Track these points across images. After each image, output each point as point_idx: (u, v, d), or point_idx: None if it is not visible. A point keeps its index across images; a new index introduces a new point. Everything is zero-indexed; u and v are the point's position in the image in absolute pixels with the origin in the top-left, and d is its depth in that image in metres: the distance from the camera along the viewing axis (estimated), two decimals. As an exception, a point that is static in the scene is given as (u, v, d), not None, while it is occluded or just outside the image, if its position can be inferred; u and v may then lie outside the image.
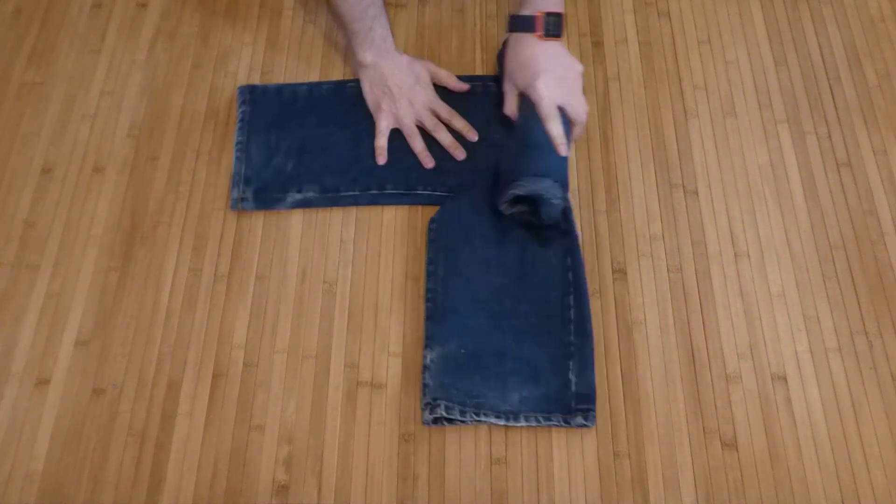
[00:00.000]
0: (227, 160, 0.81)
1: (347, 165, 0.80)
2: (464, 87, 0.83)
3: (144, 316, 0.73)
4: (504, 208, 0.75)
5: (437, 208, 0.78)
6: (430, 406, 0.68)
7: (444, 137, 0.81)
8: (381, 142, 0.81)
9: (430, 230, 0.77)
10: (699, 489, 0.66)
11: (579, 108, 0.75)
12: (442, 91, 0.84)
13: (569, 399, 0.68)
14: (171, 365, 0.71)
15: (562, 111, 0.74)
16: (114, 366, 0.71)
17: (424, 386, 0.69)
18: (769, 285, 0.75)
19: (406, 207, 0.79)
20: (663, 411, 0.69)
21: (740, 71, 0.87)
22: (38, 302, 0.74)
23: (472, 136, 0.81)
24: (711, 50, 0.89)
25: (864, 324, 0.73)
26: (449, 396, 0.68)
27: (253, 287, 0.75)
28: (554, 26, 0.76)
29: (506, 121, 0.80)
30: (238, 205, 0.78)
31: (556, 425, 0.68)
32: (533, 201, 0.73)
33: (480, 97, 0.83)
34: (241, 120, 0.83)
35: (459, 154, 0.80)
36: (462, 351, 0.71)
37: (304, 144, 0.82)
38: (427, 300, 0.73)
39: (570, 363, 0.70)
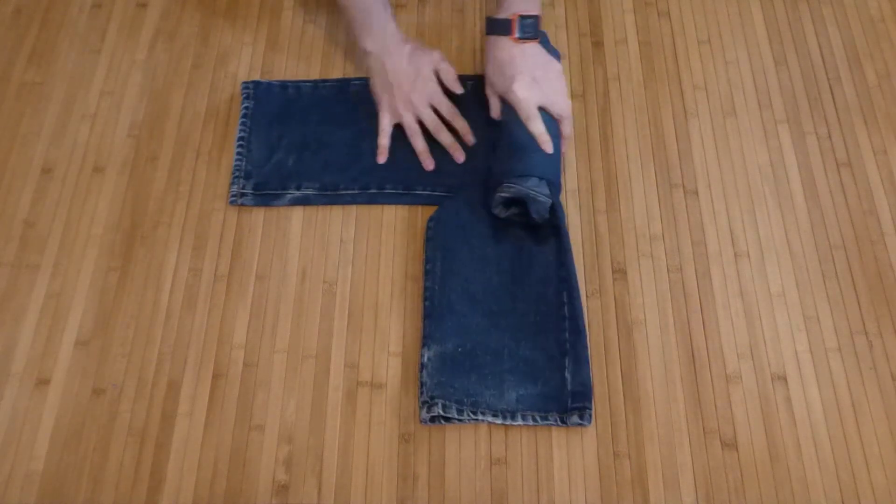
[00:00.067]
0: (228, 160, 0.81)
1: (347, 164, 0.80)
2: (458, 90, 0.82)
3: (144, 316, 0.73)
4: (498, 212, 0.76)
5: (436, 208, 0.78)
6: (428, 404, 0.67)
7: (445, 138, 0.80)
8: (384, 140, 0.80)
9: (427, 229, 0.76)
10: (699, 489, 0.66)
11: (561, 105, 0.74)
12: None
13: (565, 398, 0.68)
14: (171, 365, 0.71)
15: (545, 110, 0.74)
16: (114, 366, 0.71)
17: (422, 384, 0.69)
18: (769, 285, 0.75)
19: (406, 207, 0.79)
20: (663, 411, 0.69)
21: (740, 71, 0.87)
22: (38, 302, 0.74)
23: (470, 139, 0.81)
24: (711, 50, 0.88)
25: (864, 324, 0.73)
26: (446, 395, 0.68)
27: (253, 287, 0.75)
28: (530, 28, 0.75)
29: (496, 124, 0.79)
30: (238, 200, 0.78)
31: (553, 424, 0.68)
32: (523, 202, 0.73)
33: (481, 97, 0.83)
34: (244, 115, 0.82)
35: (459, 156, 0.80)
36: (459, 349, 0.71)
37: (305, 141, 0.82)
38: (425, 299, 0.73)
39: (566, 360, 0.70)
